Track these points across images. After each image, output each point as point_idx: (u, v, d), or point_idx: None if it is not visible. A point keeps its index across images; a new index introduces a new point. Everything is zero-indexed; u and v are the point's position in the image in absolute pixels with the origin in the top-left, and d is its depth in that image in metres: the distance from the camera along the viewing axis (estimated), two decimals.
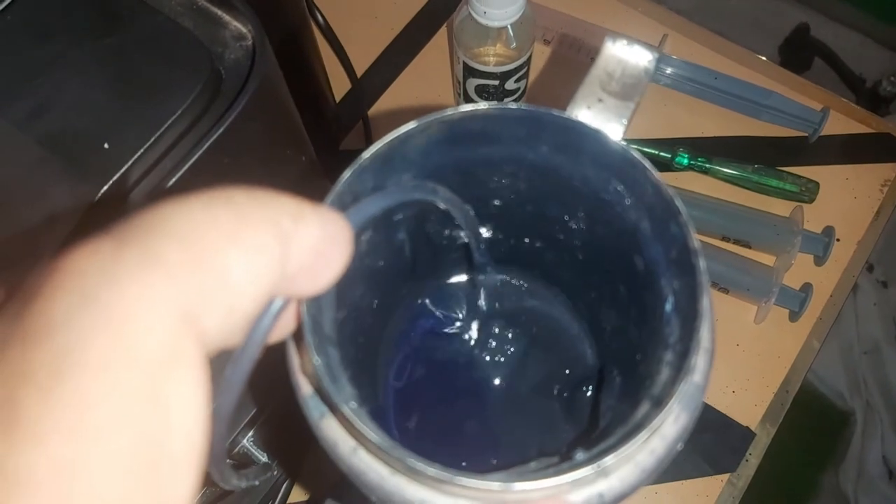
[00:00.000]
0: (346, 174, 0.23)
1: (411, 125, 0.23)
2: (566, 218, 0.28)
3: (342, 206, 0.23)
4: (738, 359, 0.58)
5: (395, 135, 0.23)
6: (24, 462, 0.11)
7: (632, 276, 0.26)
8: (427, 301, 0.34)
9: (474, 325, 0.34)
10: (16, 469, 0.11)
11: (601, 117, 0.25)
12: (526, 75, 0.56)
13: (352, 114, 0.62)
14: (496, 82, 0.55)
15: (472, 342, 0.34)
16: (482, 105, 0.23)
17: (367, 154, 0.23)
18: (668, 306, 0.23)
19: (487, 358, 0.34)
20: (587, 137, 0.23)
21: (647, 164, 0.23)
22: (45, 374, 0.11)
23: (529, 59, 0.55)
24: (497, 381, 0.33)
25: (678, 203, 0.22)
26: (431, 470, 0.19)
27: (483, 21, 0.51)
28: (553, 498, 0.20)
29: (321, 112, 0.58)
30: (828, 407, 1.03)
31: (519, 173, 0.26)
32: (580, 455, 0.21)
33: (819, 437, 1.04)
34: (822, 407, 1.03)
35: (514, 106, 0.23)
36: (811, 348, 0.59)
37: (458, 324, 0.34)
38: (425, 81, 0.65)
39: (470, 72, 0.55)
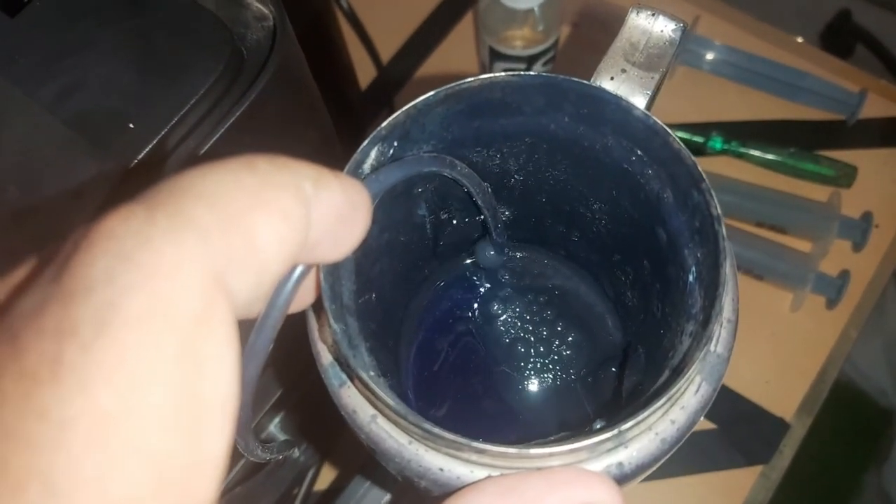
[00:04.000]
0: (364, 143, 0.22)
1: (429, 94, 0.23)
2: (588, 192, 0.28)
3: (359, 175, 0.23)
4: (772, 348, 0.56)
5: (413, 104, 0.23)
6: (70, 410, 0.11)
7: (655, 250, 0.25)
8: (449, 281, 0.34)
9: (497, 306, 0.34)
10: (61, 416, 0.11)
11: (624, 88, 0.24)
12: (553, 59, 0.56)
13: (377, 101, 0.63)
14: (523, 66, 0.55)
15: (494, 322, 0.34)
16: (501, 73, 0.23)
17: (385, 123, 0.23)
18: (691, 277, 0.23)
19: (510, 338, 0.34)
20: (608, 105, 0.23)
21: (669, 130, 0.22)
22: (88, 328, 0.12)
23: (557, 42, 0.55)
24: (519, 362, 0.33)
25: (699, 170, 0.21)
26: (449, 435, 0.18)
27: (510, 4, 0.50)
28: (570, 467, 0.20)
29: (346, 99, 0.58)
30: (869, 404, 1.00)
31: (540, 145, 0.26)
32: (599, 424, 0.20)
33: (860, 435, 1.01)
34: (863, 404, 1.00)
35: (533, 73, 0.23)
36: (848, 337, 0.57)
37: (479, 304, 0.34)
38: (451, 68, 0.65)
39: (496, 56, 0.54)
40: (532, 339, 0.33)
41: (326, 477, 0.54)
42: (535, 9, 0.51)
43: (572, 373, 0.32)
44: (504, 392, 0.33)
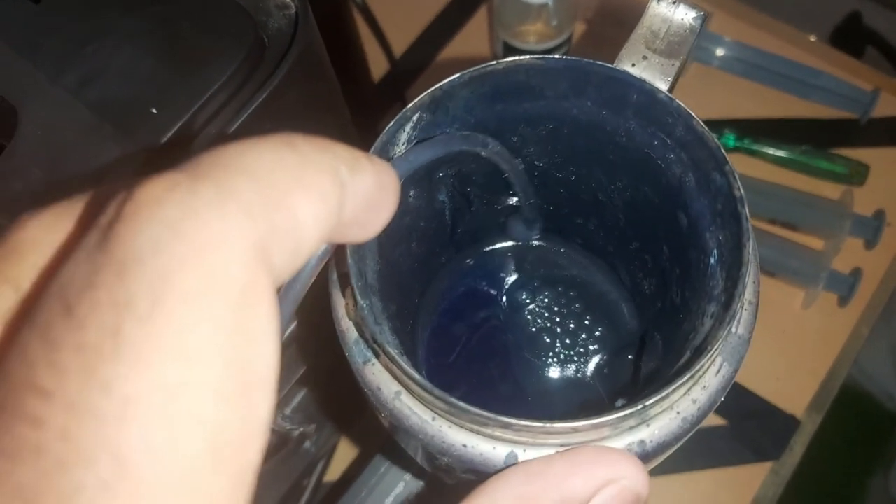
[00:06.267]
0: (390, 124, 0.23)
1: (454, 76, 0.23)
2: (608, 179, 0.28)
3: (385, 157, 0.23)
4: (783, 345, 0.56)
5: (439, 85, 0.23)
6: (131, 385, 0.11)
7: (675, 235, 0.26)
8: (466, 268, 0.34)
9: (513, 294, 0.34)
10: (123, 391, 0.11)
11: (646, 74, 0.24)
12: (567, 54, 0.56)
13: (390, 95, 0.63)
14: None
15: (511, 310, 0.34)
16: (526, 56, 0.23)
17: (410, 105, 0.23)
18: (713, 259, 0.23)
19: (526, 326, 0.34)
20: (632, 88, 0.23)
21: (692, 113, 0.22)
22: (143, 301, 0.12)
23: (570, 37, 0.55)
24: (535, 350, 0.33)
25: (723, 152, 0.22)
26: (474, 409, 0.19)
27: None
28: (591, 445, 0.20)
29: (359, 92, 0.59)
30: (876, 407, 1.00)
31: (561, 130, 0.26)
32: (620, 402, 0.20)
33: (866, 438, 1.00)
34: (869, 407, 0.99)
35: (557, 57, 0.23)
36: (859, 335, 0.57)
37: (496, 292, 0.34)
38: (464, 62, 0.65)
39: (510, 50, 0.55)
40: (547, 328, 0.33)
41: (336, 469, 0.55)
42: (550, 4, 0.52)
43: (588, 361, 0.32)
44: (518, 381, 0.33)
